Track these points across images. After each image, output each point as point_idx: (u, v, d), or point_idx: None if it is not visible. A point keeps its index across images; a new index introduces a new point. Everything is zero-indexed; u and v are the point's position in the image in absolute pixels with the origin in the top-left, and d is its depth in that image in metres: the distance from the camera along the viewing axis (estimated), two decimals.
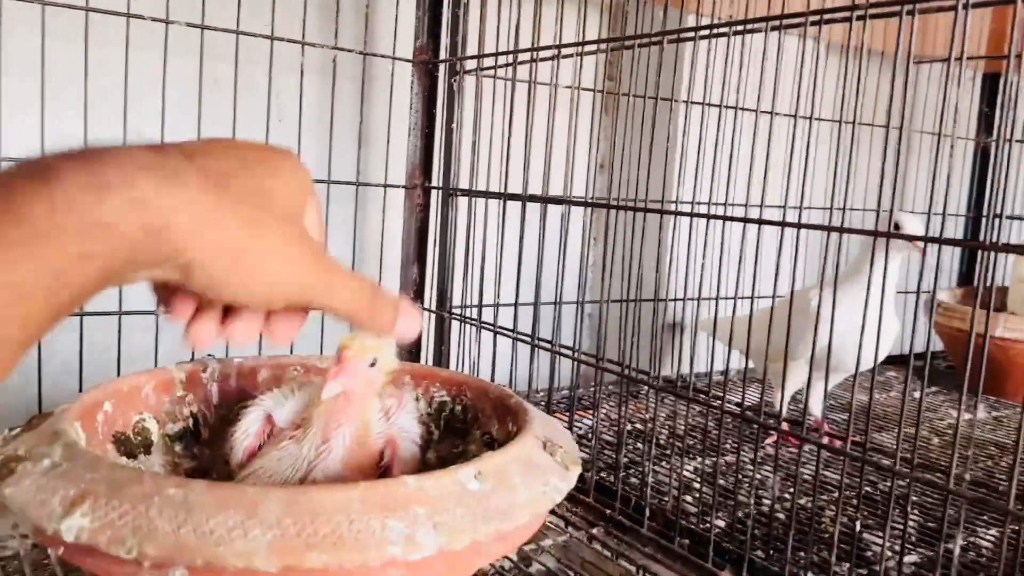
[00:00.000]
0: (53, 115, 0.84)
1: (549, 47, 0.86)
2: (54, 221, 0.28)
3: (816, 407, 1.07)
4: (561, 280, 0.87)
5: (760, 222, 0.64)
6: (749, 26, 0.65)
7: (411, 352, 1.06)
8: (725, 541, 0.69)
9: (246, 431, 0.55)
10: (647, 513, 0.73)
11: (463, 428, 0.65)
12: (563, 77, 0.88)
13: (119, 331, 0.87)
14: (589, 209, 0.86)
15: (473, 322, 0.97)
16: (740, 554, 0.66)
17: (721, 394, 0.72)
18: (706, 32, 0.69)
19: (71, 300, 0.30)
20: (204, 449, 0.61)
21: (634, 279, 0.80)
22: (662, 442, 1.03)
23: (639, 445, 0.99)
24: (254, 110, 1.00)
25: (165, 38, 0.85)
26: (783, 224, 0.62)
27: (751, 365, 1.07)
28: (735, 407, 0.70)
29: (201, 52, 0.89)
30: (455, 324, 1.02)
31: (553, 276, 0.88)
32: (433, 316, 1.05)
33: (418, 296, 1.06)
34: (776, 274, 0.66)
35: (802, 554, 0.66)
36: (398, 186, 1.05)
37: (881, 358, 1.00)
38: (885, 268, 0.94)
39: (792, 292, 0.67)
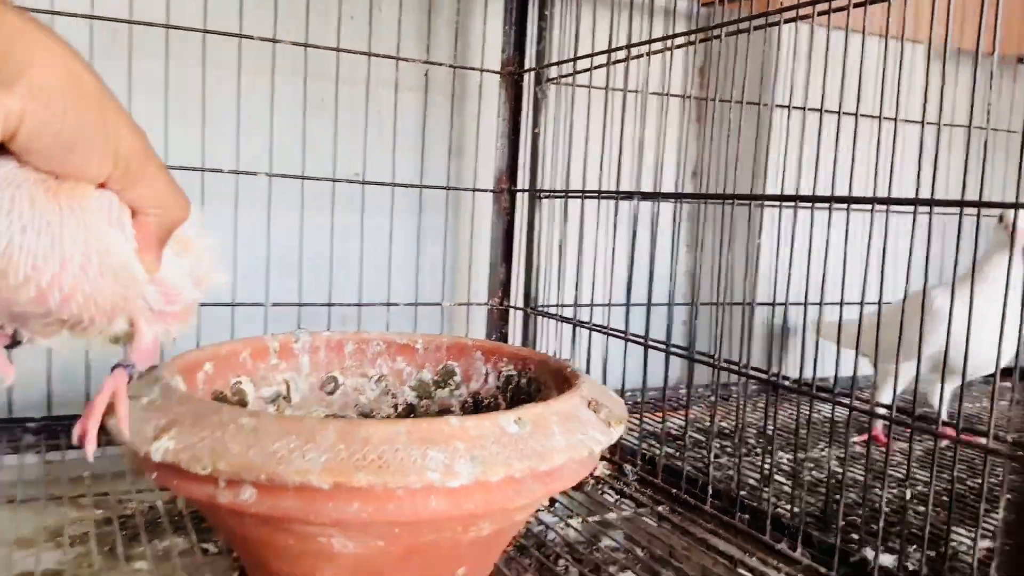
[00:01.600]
0: (177, 132, 0.95)
1: (638, 44, 0.89)
2: None
3: (936, 404, 1.05)
4: (651, 279, 0.90)
5: (848, 199, 0.66)
6: (835, 4, 0.67)
7: None
8: (784, 518, 0.70)
9: None
10: (710, 491, 0.75)
11: (528, 399, 0.69)
12: (652, 83, 0.92)
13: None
14: (681, 212, 0.88)
15: (557, 318, 1.01)
16: (798, 528, 0.67)
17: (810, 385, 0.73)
18: (791, 14, 0.72)
19: None
20: (295, 412, 0.68)
21: (725, 281, 0.82)
22: (752, 441, 1.04)
23: (725, 443, 1.00)
24: (354, 125, 1.09)
25: (273, 58, 0.95)
26: (873, 200, 0.64)
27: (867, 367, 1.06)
28: (826, 393, 0.70)
29: (305, 71, 0.98)
30: (540, 321, 1.06)
31: (644, 276, 0.91)
32: (520, 313, 1.10)
33: (504, 294, 1.11)
34: (866, 261, 0.67)
35: (856, 531, 0.66)
36: (486, 190, 1.11)
37: (1004, 363, 0.97)
38: (970, 261, 0.92)
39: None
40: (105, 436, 0.50)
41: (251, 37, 0.94)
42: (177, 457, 0.45)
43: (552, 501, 0.79)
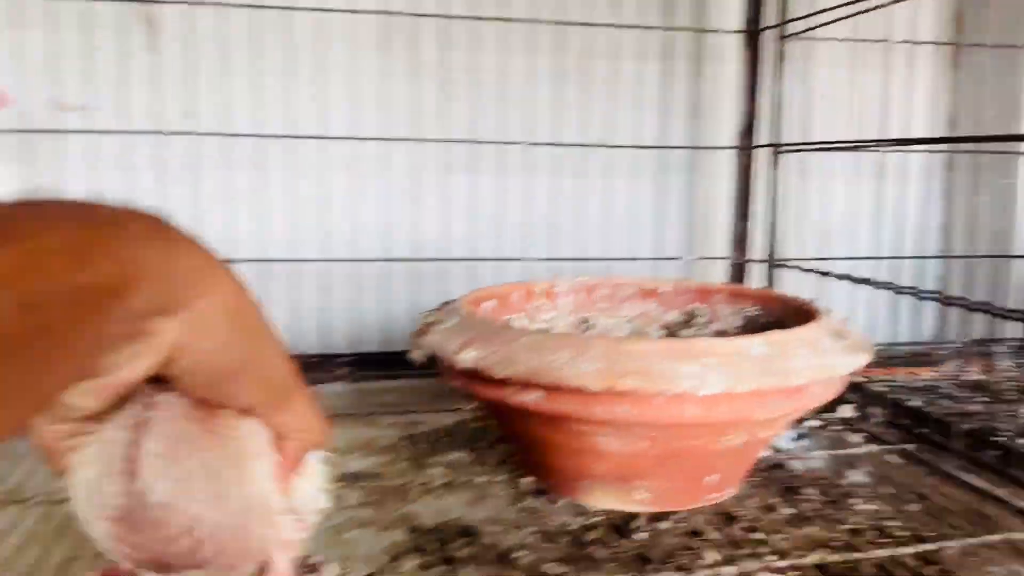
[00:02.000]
0: (448, 109, 1.08)
1: None
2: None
3: None
4: (900, 230, 0.91)
5: None
6: None
7: None
8: None
9: None
10: (960, 429, 0.76)
11: None
12: (900, 32, 0.92)
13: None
14: (933, 161, 0.88)
15: (801, 268, 1.03)
16: None
17: None
18: None
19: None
20: None
21: (982, 235, 0.82)
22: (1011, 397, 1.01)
23: (980, 395, 0.98)
24: (602, 92, 1.17)
25: (532, 37, 1.06)
26: None
27: None
28: None
29: (559, 47, 1.08)
30: (779, 274, 1.09)
31: (892, 227, 0.92)
32: (758, 267, 1.14)
33: (743, 249, 1.15)
34: None
35: None
36: (727, 147, 1.15)
37: None
38: None
39: None
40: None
41: (511, 20, 1.05)
42: (479, 364, 0.56)
43: (800, 436, 0.83)
